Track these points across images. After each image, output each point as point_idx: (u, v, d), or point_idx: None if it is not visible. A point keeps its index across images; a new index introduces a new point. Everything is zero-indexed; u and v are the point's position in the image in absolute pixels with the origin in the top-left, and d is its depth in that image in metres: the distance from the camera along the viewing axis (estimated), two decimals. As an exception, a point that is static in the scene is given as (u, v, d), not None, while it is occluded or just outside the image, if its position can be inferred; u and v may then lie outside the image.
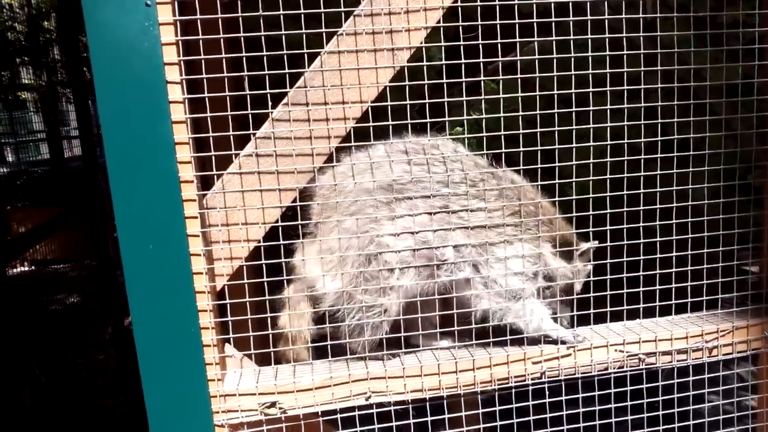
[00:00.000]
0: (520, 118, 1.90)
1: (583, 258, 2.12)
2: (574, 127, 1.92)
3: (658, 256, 2.06)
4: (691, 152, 2.06)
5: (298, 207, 1.94)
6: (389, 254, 1.91)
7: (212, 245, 1.93)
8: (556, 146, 1.92)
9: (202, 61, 1.72)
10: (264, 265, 1.88)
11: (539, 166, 1.94)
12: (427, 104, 1.85)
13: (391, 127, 1.89)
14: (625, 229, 2.00)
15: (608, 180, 2.00)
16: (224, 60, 1.74)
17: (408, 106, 1.84)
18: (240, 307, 1.89)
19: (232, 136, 1.77)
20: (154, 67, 1.67)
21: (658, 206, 2.05)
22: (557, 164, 1.91)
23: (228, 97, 1.76)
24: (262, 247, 1.90)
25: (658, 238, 2.04)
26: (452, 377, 1.98)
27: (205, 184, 1.88)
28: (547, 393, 2.04)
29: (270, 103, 1.80)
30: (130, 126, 1.67)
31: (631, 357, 2.09)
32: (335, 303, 1.94)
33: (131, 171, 1.70)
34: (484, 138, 1.91)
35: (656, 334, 2.10)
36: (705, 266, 2.10)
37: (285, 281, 2.00)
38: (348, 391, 1.94)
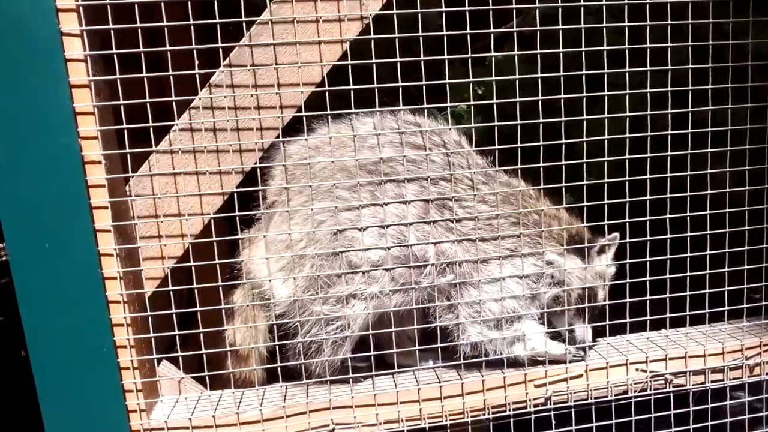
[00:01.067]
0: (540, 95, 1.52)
1: (602, 257, 1.73)
2: (584, 118, 1.53)
3: (689, 255, 1.68)
4: (729, 127, 1.67)
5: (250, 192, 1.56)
6: (358, 253, 1.52)
7: (138, 242, 1.55)
8: (562, 119, 1.54)
9: (108, 7, 1.34)
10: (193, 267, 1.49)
11: (543, 149, 1.55)
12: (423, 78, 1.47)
13: (376, 92, 1.50)
14: (648, 222, 1.62)
15: (627, 162, 1.61)
16: (136, 5, 1.36)
17: (396, 69, 1.45)
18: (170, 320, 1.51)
19: (148, 104, 1.39)
20: (44, 12, 1.29)
21: (687, 194, 1.66)
22: (564, 142, 1.53)
23: (143, 55, 1.38)
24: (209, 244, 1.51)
25: (689, 233, 1.66)
26: (436, 405, 1.60)
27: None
28: (553, 423, 1.66)
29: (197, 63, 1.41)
30: (11, 88, 1.29)
31: (655, 378, 1.71)
32: (287, 313, 1.56)
33: (16, 148, 1.32)
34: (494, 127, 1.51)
35: (686, 349, 1.72)
36: (746, 267, 1.72)
37: (230, 285, 1.62)
38: (306, 424, 1.56)
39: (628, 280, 1.64)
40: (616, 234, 1.69)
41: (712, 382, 1.73)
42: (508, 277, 1.58)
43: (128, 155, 1.43)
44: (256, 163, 1.55)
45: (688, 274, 1.66)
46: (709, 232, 1.68)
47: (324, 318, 1.52)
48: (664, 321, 1.77)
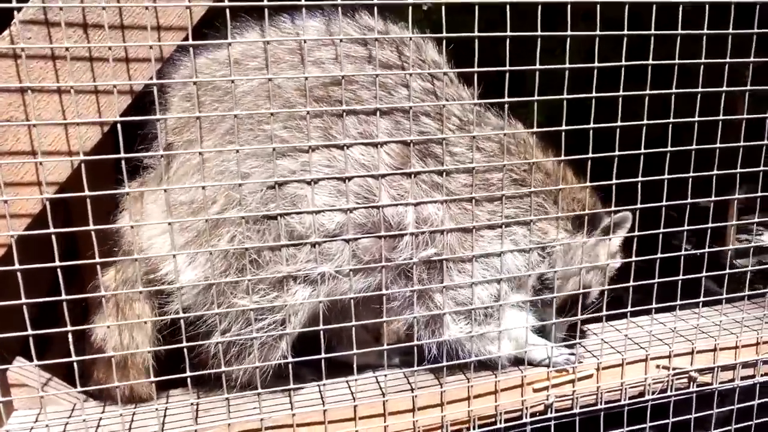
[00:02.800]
0: None
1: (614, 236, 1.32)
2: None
3: (710, 225, 1.30)
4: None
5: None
6: (302, 219, 1.04)
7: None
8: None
9: None
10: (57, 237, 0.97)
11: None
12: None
13: None
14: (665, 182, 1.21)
15: (644, 128, 1.17)
16: None
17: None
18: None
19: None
20: None
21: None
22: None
23: None
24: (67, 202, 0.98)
25: (713, 197, 1.27)
26: (407, 419, 1.19)
27: None
28: (553, 436, 1.29)
29: None
30: None
31: (678, 375, 1.36)
32: (195, 305, 1.07)
33: None
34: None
35: (716, 340, 1.37)
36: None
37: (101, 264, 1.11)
38: (226, 453, 1.11)
39: (659, 255, 1.25)
40: (628, 214, 1.27)
41: (742, 379, 1.41)
42: (508, 252, 1.15)
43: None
44: (151, 79, 1.03)
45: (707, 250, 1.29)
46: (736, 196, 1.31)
47: (253, 310, 1.03)
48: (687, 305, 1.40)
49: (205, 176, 0.99)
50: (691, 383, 1.37)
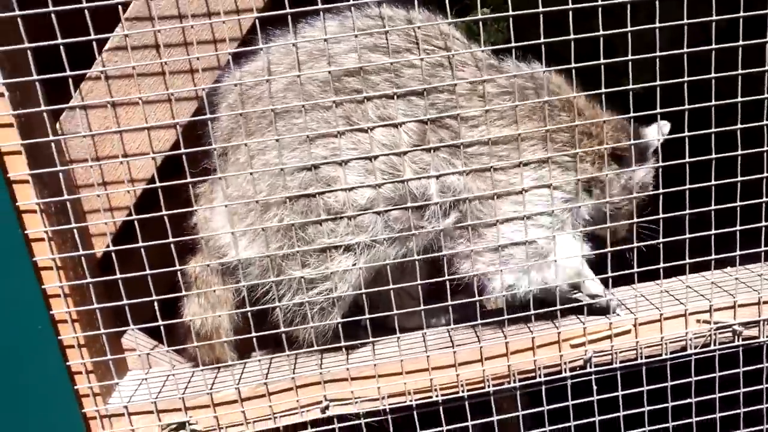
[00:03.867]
0: None
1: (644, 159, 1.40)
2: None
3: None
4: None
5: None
6: (337, 197, 1.20)
7: (80, 191, 1.28)
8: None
9: None
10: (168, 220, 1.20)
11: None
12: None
13: None
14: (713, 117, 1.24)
15: (686, 56, 1.22)
16: None
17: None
18: (133, 286, 1.23)
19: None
20: None
21: None
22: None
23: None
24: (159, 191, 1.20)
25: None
26: (450, 374, 1.32)
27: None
28: (595, 390, 1.37)
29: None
30: None
31: (722, 330, 1.39)
32: (260, 278, 1.26)
33: None
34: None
35: (759, 294, 1.39)
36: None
37: (188, 251, 1.33)
38: (294, 402, 1.30)
39: (686, 211, 1.29)
40: (666, 124, 1.33)
41: (793, 332, 1.40)
42: (533, 188, 1.25)
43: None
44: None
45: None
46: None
47: (306, 281, 1.22)
48: (733, 259, 1.42)
49: (252, 171, 1.19)
50: (736, 337, 1.39)
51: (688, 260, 1.33)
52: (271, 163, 1.19)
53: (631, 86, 1.19)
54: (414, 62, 1.19)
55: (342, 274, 1.24)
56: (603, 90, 1.21)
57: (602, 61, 1.18)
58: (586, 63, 1.18)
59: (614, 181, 1.35)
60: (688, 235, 1.30)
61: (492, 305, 1.53)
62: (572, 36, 1.14)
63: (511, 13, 1.13)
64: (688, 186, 1.28)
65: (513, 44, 1.16)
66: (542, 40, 1.13)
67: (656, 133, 1.38)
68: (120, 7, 1.13)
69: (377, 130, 1.17)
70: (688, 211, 1.29)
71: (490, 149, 1.22)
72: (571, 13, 1.14)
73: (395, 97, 1.15)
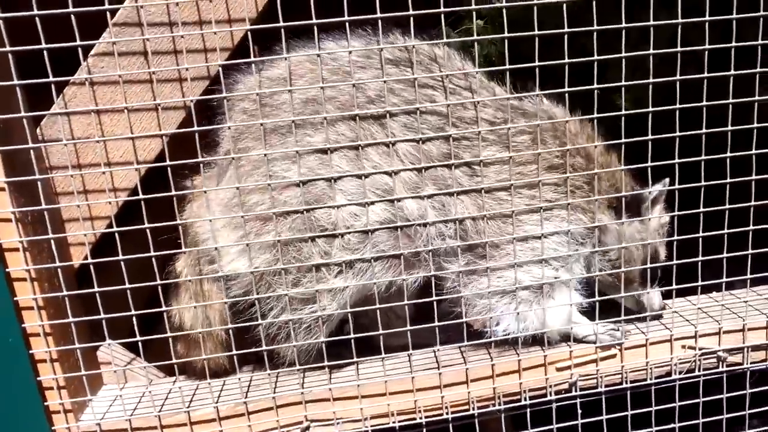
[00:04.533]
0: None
1: (655, 209, 1.39)
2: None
3: (753, 204, 1.32)
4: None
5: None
6: (330, 216, 1.19)
7: (59, 199, 1.24)
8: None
9: None
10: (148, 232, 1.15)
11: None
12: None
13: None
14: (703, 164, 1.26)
15: (679, 87, 1.23)
16: None
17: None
18: (112, 298, 1.19)
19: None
20: None
21: (755, 125, 1.28)
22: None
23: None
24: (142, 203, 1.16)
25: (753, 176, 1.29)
26: (435, 395, 1.30)
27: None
28: (579, 414, 1.35)
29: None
30: None
31: (706, 356, 1.39)
32: (249, 292, 1.23)
33: None
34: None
35: (744, 320, 1.39)
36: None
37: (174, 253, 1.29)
38: (273, 422, 1.26)
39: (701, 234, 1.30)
40: (666, 179, 1.33)
41: (776, 359, 1.41)
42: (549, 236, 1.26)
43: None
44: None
45: (751, 227, 1.31)
46: None
47: (297, 299, 1.20)
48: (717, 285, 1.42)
49: (256, 180, 1.17)
50: (720, 363, 1.39)
51: (675, 286, 1.33)
52: (277, 176, 1.17)
53: (623, 111, 1.19)
54: (436, 101, 1.21)
55: (333, 294, 1.22)
56: (596, 114, 1.21)
57: (596, 86, 1.18)
58: (580, 87, 1.18)
59: (613, 229, 1.35)
60: (675, 261, 1.30)
61: (479, 326, 1.51)
62: (567, 60, 1.14)
63: (506, 34, 1.13)
64: (677, 212, 1.29)
65: (508, 66, 1.15)
66: (537, 63, 1.13)
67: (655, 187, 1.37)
68: (108, 12, 1.10)
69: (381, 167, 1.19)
70: (676, 237, 1.29)
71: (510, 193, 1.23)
72: (566, 37, 1.13)
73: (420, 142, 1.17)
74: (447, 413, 1.31)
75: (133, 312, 1.16)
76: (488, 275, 1.26)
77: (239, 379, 1.28)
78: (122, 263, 1.13)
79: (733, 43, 1.21)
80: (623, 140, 1.22)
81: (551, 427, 1.35)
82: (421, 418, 1.30)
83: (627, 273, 1.34)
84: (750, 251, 1.32)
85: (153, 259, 1.15)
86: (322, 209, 1.18)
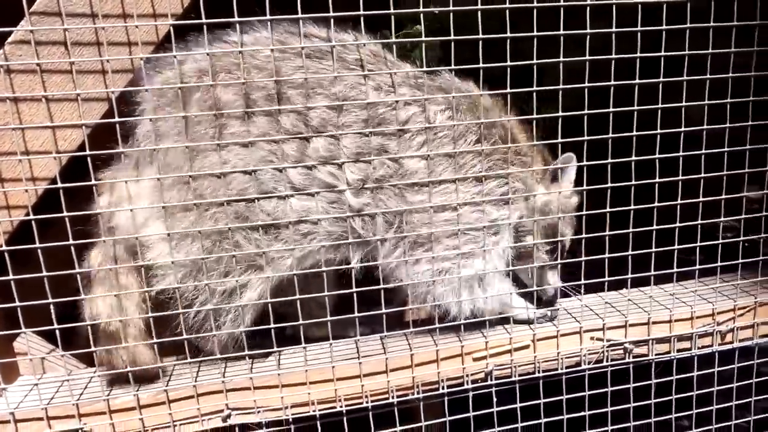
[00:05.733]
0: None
1: (563, 183, 1.47)
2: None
3: (657, 205, 1.41)
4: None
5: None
6: (278, 207, 1.24)
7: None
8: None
9: None
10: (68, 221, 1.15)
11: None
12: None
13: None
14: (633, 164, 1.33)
15: (613, 90, 1.29)
16: None
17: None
18: (33, 288, 1.19)
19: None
20: None
21: (682, 129, 1.36)
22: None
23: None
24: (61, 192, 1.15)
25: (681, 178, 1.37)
26: (354, 384, 1.34)
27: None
28: (494, 401, 1.42)
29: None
30: None
31: (613, 347, 1.47)
32: (178, 280, 1.25)
33: None
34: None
35: (649, 314, 1.48)
36: (723, 219, 1.46)
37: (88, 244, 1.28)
38: (194, 410, 1.28)
39: (607, 233, 1.37)
40: (571, 154, 1.42)
41: (678, 351, 1.50)
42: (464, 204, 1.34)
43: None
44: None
45: (654, 227, 1.40)
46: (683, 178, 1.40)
47: (227, 289, 1.25)
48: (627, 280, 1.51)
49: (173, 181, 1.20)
50: (627, 354, 1.48)
51: (583, 281, 1.41)
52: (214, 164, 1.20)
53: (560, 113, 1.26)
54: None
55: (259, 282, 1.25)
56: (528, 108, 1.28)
57: (535, 88, 1.24)
58: (519, 89, 1.24)
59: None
60: (583, 258, 1.38)
61: (424, 315, 1.57)
62: (509, 63, 1.20)
63: (452, 37, 1.17)
64: (584, 212, 1.36)
65: (453, 66, 1.21)
66: (481, 64, 1.20)
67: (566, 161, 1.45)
68: (25, 1, 1.10)
69: (317, 141, 1.22)
70: (584, 235, 1.37)
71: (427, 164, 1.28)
72: (508, 41, 1.19)
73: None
74: (367, 402, 1.35)
75: (50, 300, 1.16)
76: (414, 255, 1.33)
77: (161, 368, 1.29)
78: (39, 251, 1.13)
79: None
80: (534, 116, 1.29)
81: (468, 414, 1.41)
82: (341, 406, 1.34)
83: (527, 246, 1.43)
84: (654, 249, 1.40)
85: (72, 249, 1.15)
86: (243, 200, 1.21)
